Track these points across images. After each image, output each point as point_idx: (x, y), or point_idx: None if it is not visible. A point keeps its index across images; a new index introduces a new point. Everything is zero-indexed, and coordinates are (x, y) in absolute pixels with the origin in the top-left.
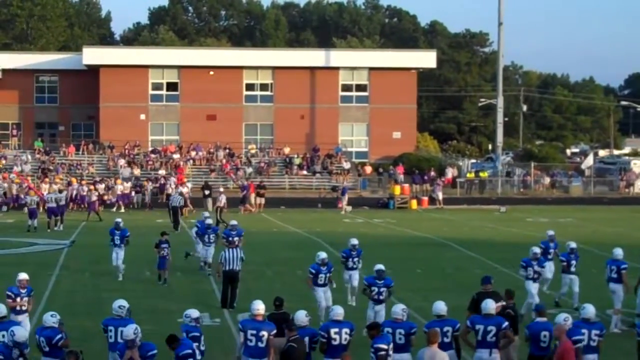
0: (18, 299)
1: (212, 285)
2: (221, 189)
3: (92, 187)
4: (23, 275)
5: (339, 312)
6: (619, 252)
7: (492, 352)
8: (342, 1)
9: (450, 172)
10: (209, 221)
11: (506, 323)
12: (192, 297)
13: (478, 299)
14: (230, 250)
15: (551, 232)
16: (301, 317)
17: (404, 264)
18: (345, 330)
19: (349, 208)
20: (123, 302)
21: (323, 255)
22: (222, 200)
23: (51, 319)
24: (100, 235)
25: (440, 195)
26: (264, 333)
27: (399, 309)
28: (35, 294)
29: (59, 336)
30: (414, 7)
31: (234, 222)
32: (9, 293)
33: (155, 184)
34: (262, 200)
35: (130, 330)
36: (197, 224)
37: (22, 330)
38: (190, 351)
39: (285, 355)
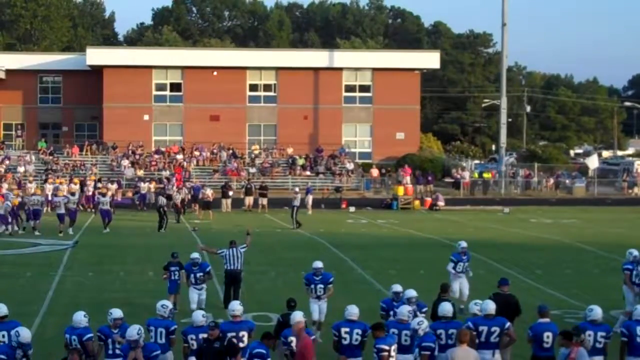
0: (109, 341)
1: (215, 285)
2: (297, 189)
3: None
4: (117, 313)
5: (353, 311)
6: (628, 253)
7: (494, 352)
8: (345, 2)
9: (467, 175)
10: (195, 255)
11: (508, 323)
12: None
13: (495, 299)
14: (232, 249)
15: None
16: (298, 317)
17: (407, 264)
18: (357, 330)
19: (310, 211)
20: (166, 302)
21: (464, 244)
22: (297, 200)
23: (84, 319)
24: (103, 236)
25: (440, 203)
26: (244, 333)
27: (406, 311)
28: (40, 295)
29: (88, 335)
30: (418, 8)
31: (195, 255)
32: (99, 334)
33: (158, 184)
34: (265, 201)
35: (134, 331)
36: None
37: (27, 331)
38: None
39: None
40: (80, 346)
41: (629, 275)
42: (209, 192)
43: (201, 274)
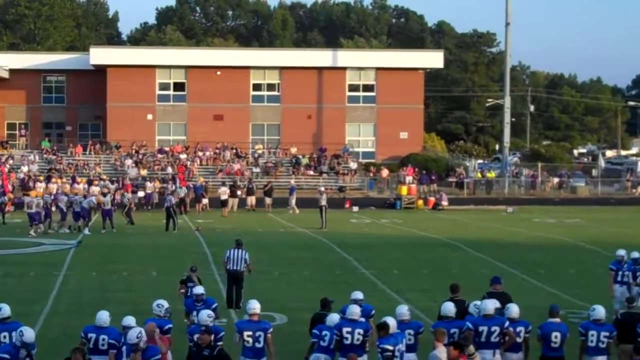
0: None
1: (219, 285)
2: (322, 189)
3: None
4: (133, 325)
5: (354, 311)
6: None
7: (495, 352)
8: (349, 1)
9: (473, 175)
10: (199, 290)
11: (507, 322)
12: None
13: (488, 298)
14: (235, 250)
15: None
16: (335, 319)
17: (410, 264)
18: (359, 330)
19: (297, 210)
20: (162, 302)
21: (621, 252)
22: (324, 200)
23: (108, 318)
24: (106, 236)
25: (444, 203)
26: (260, 333)
27: (405, 310)
28: (43, 295)
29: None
30: (421, 7)
31: (200, 290)
32: (84, 335)
33: (162, 184)
34: (269, 200)
35: (134, 334)
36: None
37: (31, 330)
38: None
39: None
40: (108, 346)
41: (613, 275)
42: (221, 190)
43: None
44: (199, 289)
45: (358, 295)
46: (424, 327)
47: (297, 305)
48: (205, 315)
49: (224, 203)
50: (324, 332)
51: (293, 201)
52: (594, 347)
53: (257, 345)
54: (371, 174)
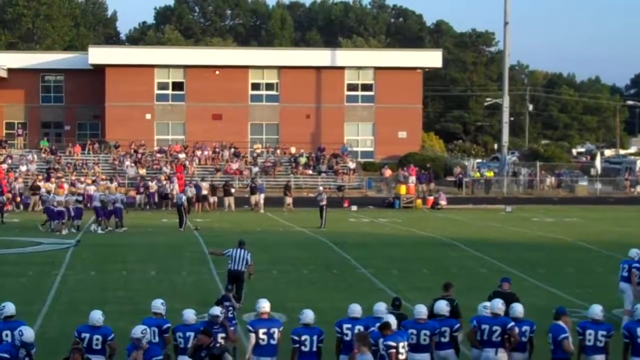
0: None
1: (218, 285)
2: (321, 188)
3: None
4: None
5: (355, 309)
6: (631, 252)
7: (497, 351)
8: (347, 1)
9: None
10: (216, 311)
11: (512, 323)
12: (197, 296)
13: (494, 298)
14: (237, 249)
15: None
16: (310, 315)
17: (409, 263)
18: (359, 327)
19: (262, 209)
20: (163, 301)
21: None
22: (324, 199)
23: (102, 317)
24: (105, 235)
25: (442, 202)
26: (274, 330)
27: (424, 309)
28: (42, 294)
29: (112, 335)
30: (420, 7)
31: (216, 311)
32: (77, 334)
33: (160, 183)
34: (290, 200)
35: (139, 330)
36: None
37: (30, 330)
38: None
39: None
40: (101, 346)
41: (636, 275)
42: (203, 185)
43: (223, 334)
44: (215, 310)
45: (215, 311)
46: (439, 328)
47: (296, 305)
48: (192, 314)
49: (204, 198)
50: (303, 337)
51: (261, 200)
52: (591, 346)
53: (272, 342)
54: (381, 174)
